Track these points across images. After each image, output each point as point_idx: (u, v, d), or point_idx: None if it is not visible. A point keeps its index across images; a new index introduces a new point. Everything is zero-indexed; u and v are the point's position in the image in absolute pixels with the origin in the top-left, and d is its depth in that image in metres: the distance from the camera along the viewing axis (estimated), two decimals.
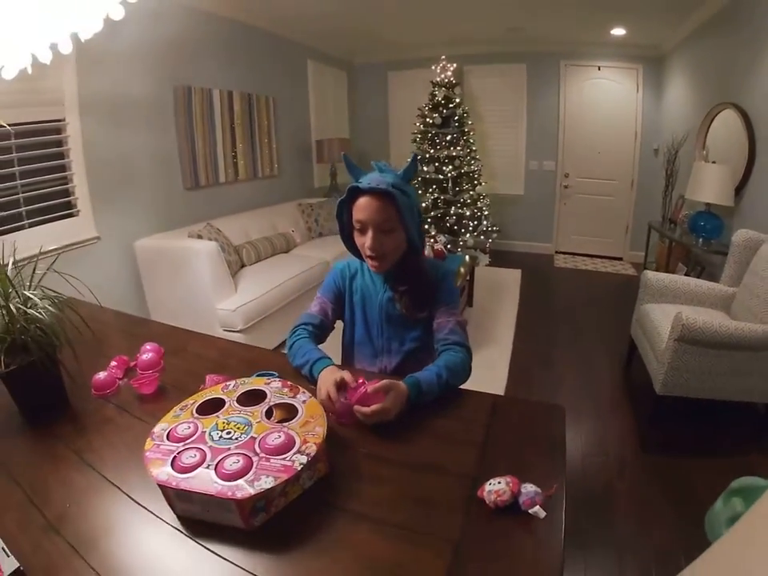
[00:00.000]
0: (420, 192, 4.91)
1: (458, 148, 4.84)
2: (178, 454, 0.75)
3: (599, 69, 5.22)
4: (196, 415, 0.84)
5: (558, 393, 2.85)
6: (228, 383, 0.94)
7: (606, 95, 5.28)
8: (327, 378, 0.99)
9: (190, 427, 0.80)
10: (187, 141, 3.46)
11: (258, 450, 0.75)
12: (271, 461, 0.72)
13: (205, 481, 0.69)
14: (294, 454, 0.73)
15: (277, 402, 0.87)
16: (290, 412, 0.85)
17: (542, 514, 0.72)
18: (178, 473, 0.71)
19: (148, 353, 1.24)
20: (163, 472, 0.71)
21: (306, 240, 4.44)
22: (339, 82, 5.88)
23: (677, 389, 2.31)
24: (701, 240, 3.28)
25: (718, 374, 2.25)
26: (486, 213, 4.98)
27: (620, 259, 5.78)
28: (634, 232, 5.61)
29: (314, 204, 4.62)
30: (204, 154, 3.63)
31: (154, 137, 3.20)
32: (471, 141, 4.97)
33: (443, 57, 4.78)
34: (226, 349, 1.39)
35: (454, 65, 4.80)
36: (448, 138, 4.85)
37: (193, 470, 0.72)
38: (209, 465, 0.72)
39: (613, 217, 5.66)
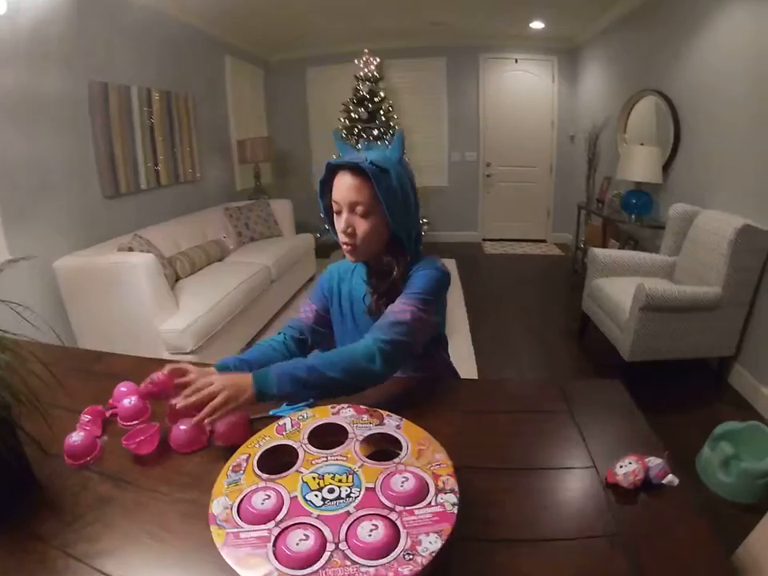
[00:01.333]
0: None
1: (386, 142, 4.76)
2: (276, 538, 0.52)
3: (516, 61, 5.43)
4: (265, 476, 0.61)
5: (527, 371, 2.91)
6: (282, 422, 0.72)
7: (523, 86, 5.51)
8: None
9: (269, 496, 0.57)
10: (105, 144, 3.06)
11: (388, 504, 0.55)
12: (416, 513, 0.54)
13: (345, 569, 0.48)
14: (436, 494, 0.56)
15: (363, 434, 0.68)
16: (381, 444, 0.68)
17: (676, 481, 0.72)
18: (295, 568, 0.48)
19: (128, 397, 0.95)
20: (272, 573, 0.48)
21: (238, 246, 4.15)
22: (257, 80, 5.62)
23: (644, 354, 2.43)
24: (633, 216, 3.49)
25: (679, 335, 2.41)
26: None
27: (544, 241, 6.08)
28: (555, 215, 5.93)
29: (241, 207, 4.34)
30: (123, 158, 3.24)
31: (67, 140, 2.78)
32: (396, 134, 4.88)
33: (366, 50, 4.69)
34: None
35: (378, 59, 4.73)
36: (375, 132, 4.76)
37: (317, 558, 0.49)
38: (336, 544, 0.51)
39: (534, 202, 5.93)
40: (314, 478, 0.60)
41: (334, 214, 1.05)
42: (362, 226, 1.00)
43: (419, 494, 0.56)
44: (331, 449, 0.65)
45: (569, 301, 3.92)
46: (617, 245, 3.90)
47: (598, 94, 4.75)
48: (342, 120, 4.83)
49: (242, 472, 0.62)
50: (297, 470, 0.62)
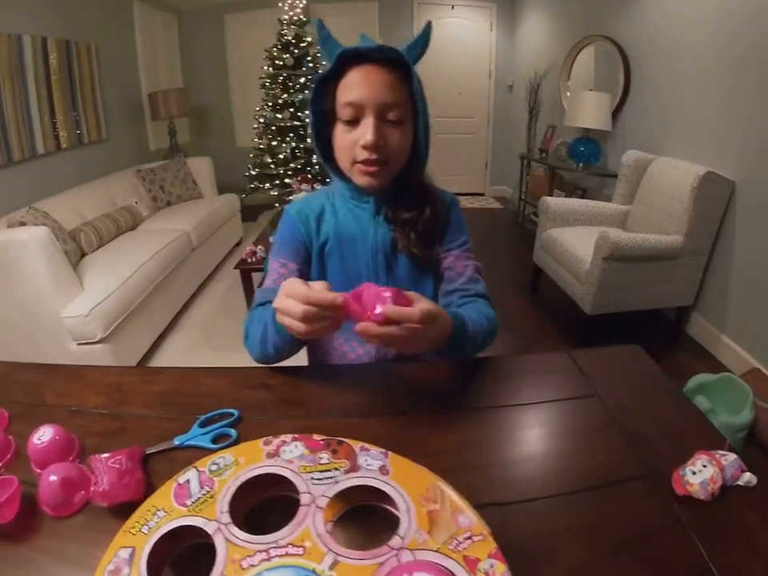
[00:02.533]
0: (276, 142, 4.35)
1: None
2: None
3: (453, 8, 5.06)
4: None
5: None
6: (183, 478, 0.44)
7: (459, 34, 5.16)
8: (288, 287, 0.58)
9: None
10: None
11: None
12: None
13: None
14: None
15: (326, 492, 0.39)
16: (356, 496, 0.40)
17: (754, 480, 0.55)
18: None
19: None
20: None
21: (153, 212, 3.65)
22: (169, 28, 4.95)
23: (606, 307, 2.33)
24: (581, 165, 3.36)
25: (641, 286, 2.31)
26: None
27: (482, 195, 5.91)
28: (493, 167, 5.76)
29: (155, 168, 3.82)
30: (16, 119, 2.71)
31: None
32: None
33: None
34: (110, 383, 0.76)
35: (304, 1, 4.25)
36: (302, 80, 4.34)
37: None
38: None
39: (471, 154, 5.68)
40: None
41: (340, 125, 0.75)
42: (394, 137, 0.74)
43: None
44: (278, 528, 0.37)
45: (516, 254, 3.80)
46: (562, 195, 3.79)
47: (540, 41, 4.54)
48: (266, 68, 4.35)
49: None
50: None
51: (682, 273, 2.32)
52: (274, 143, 4.35)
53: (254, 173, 4.38)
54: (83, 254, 2.68)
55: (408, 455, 0.45)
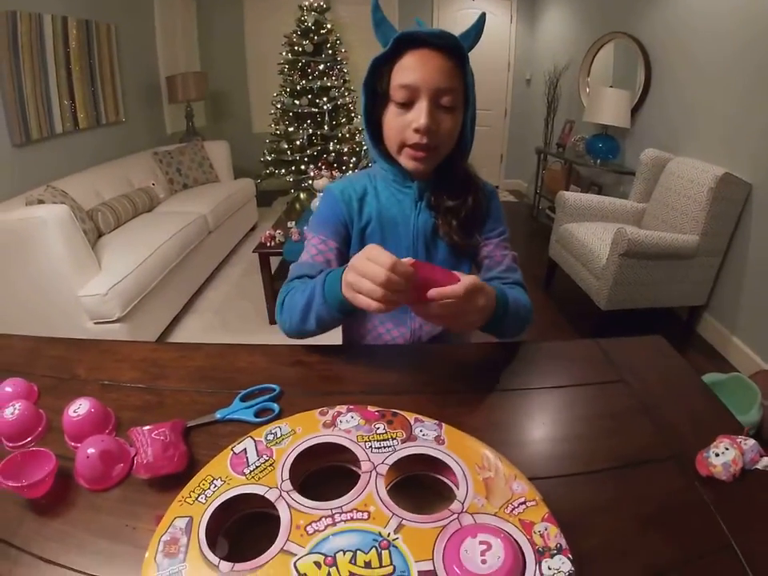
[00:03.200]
0: (292, 128, 4.36)
1: (333, 78, 4.35)
2: None
3: None
4: (225, 566, 0.34)
5: None
6: (239, 447, 0.45)
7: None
8: (374, 252, 0.56)
9: None
10: (13, 83, 2.55)
11: None
12: None
13: None
14: (538, 564, 0.32)
15: (385, 460, 0.42)
16: (410, 467, 0.42)
17: None
18: None
19: (11, 402, 0.60)
20: None
21: (169, 194, 3.67)
22: (188, 11, 4.90)
23: (620, 303, 2.33)
24: (598, 161, 3.35)
25: (655, 284, 2.31)
26: (366, 148, 4.64)
27: (497, 187, 5.86)
28: (508, 160, 5.74)
29: (172, 151, 3.83)
30: (35, 99, 2.72)
31: None
32: (345, 71, 4.52)
33: None
34: (144, 358, 0.77)
35: None
36: (321, 67, 4.33)
37: None
38: None
39: (488, 146, 5.66)
40: (317, 564, 0.33)
41: (392, 107, 0.75)
42: (446, 123, 0.75)
43: (513, 571, 0.32)
44: (334, 497, 0.39)
45: (531, 248, 3.80)
46: (578, 190, 3.77)
47: (560, 36, 4.48)
48: (285, 54, 4.34)
49: (181, 556, 0.35)
50: (282, 550, 0.35)
51: (695, 272, 2.32)
52: (291, 129, 4.36)
53: (269, 158, 4.39)
54: (100, 234, 2.70)
55: None
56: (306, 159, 4.30)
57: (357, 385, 0.69)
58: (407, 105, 0.73)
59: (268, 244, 2.55)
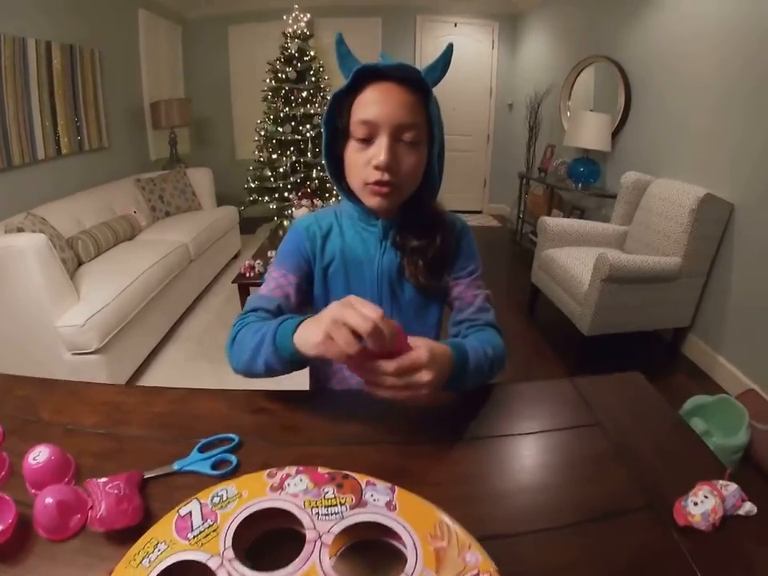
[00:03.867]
0: (276, 155, 4.37)
1: (316, 105, 4.40)
2: None
3: (455, 25, 5.14)
4: None
5: None
6: (184, 510, 0.42)
7: (462, 52, 5.21)
8: (338, 310, 0.54)
9: None
10: None
11: None
12: None
13: None
14: None
15: (332, 528, 0.38)
16: (359, 532, 0.39)
17: (754, 509, 0.56)
18: None
19: None
20: None
21: (151, 222, 3.65)
22: (173, 37, 4.98)
23: (603, 328, 2.32)
24: (580, 185, 3.39)
25: (638, 307, 2.31)
26: None
27: (480, 212, 5.93)
28: (491, 185, 5.81)
29: (155, 178, 3.82)
30: (17, 124, 2.71)
31: None
32: (328, 98, 4.55)
33: (296, 6, 4.24)
34: (107, 401, 0.75)
35: (308, 15, 4.32)
36: (304, 94, 4.38)
37: None
38: None
39: (470, 172, 5.71)
40: None
41: (353, 143, 0.74)
42: (408, 159, 0.72)
43: None
44: (282, 562, 0.36)
45: (513, 273, 3.81)
46: (561, 214, 3.81)
47: (541, 61, 4.60)
48: (268, 81, 4.38)
49: None
50: None
51: (679, 294, 2.33)
52: (274, 156, 4.38)
53: (253, 185, 4.40)
54: (80, 263, 2.66)
55: (409, 486, 0.44)
56: (289, 186, 4.30)
57: (319, 434, 0.66)
58: (368, 141, 0.71)
59: (247, 274, 2.53)
